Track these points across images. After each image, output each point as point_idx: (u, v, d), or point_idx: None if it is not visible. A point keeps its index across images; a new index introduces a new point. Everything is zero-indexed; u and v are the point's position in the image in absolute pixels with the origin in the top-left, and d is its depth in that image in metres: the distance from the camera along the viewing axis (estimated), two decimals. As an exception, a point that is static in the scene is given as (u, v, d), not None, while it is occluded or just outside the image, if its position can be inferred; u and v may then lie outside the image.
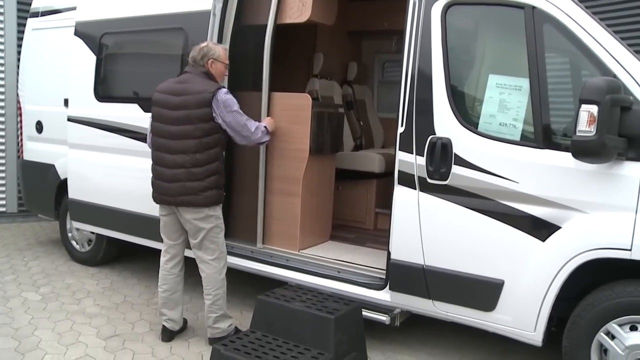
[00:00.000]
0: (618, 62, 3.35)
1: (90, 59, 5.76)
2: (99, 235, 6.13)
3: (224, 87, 4.18)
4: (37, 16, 6.80)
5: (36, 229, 8.13)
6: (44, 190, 6.62)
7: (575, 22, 3.49)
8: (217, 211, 4.21)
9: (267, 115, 4.85)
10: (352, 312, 4.01)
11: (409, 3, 4.00)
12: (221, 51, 4.32)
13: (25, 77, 6.96)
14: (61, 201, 6.48)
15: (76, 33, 5.89)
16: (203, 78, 4.18)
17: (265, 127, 4.44)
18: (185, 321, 4.61)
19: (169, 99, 4.15)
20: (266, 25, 4.86)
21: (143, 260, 6.45)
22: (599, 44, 3.42)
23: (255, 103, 5.03)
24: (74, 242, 6.50)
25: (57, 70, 6.41)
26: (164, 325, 4.45)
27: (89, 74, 5.74)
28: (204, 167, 4.07)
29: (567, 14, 3.52)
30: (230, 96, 4.15)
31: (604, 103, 3.07)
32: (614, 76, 3.32)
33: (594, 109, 3.09)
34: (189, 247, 4.40)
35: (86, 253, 6.39)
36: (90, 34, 5.80)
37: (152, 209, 5.26)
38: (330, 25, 5.41)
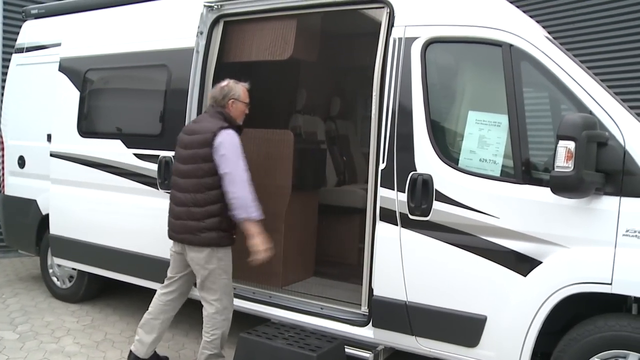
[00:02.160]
0: (593, 98, 3.42)
1: (74, 94, 5.77)
2: (80, 272, 6.05)
3: (229, 129, 4.05)
4: (22, 52, 6.81)
5: (16, 264, 8.01)
6: (25, 226, 6.55)
7: (551, 59, 3.56)
8: (221, 253, 4.08)
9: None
10: (335, 349, 3.98)
11: (389, 40, 4.06)
12: (241, 90, 4.26)
13: (9, 112, 6.94)
14: (42, 237, 6.40)
15: (60, 69, 5.92)
16: (214, 117, 4.15)
17: (255, 206, 4.01)
18: (166, 358, 4.54)
19: (183, 137, 4.20)
20: (250, 63, 4.93)
21: (125, 297, 6.37)
22: (575, 80, 3.49)
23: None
24: (54, 279, 6.41)
25: (40, 106, 6.41)
26: (132, 348, 4.39)
27: (72, 109, 5.75)
28: (203, 208, 4.01)
29: (543, 52, 3.59)
30: (230, 138, 4.01)
31: (580, 139, 3.12)
32: (590, 112, 3.37)
33: (571, 145, 3.14)
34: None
35: (67, 289, 6.30)
36: (75, 70, 5.82)
37: (135, 245, 5.25)
38: (312, 61, 5.48)
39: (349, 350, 4.14)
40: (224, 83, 4.26)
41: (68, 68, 5.87)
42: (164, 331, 4.42)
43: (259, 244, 3.97)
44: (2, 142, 6.98)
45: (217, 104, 4.22)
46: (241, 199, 3.94)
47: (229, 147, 3.98)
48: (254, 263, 3.97)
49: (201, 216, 4.01)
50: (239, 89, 4.25)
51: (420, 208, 3.81)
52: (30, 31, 6.77)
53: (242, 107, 4.28)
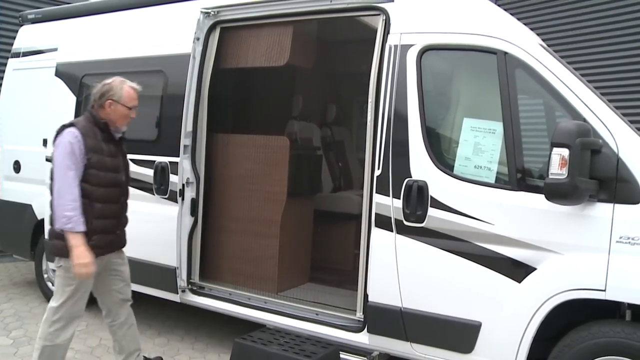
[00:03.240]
0: (587, 106, 3.45)
1: (70, 99, 5.78)
2: (75, 277, 6.03)
3: (72, 129, 3.70)
4: (19, 56, 6.82)
5: (11, 269, 7.99)
6: (20, 231, 6.53)
7: (546, 67, 3.59)
8: (67, 263, 3.68)
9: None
10: (330, 355, 3.98)
11: (385, 47, 4.08)
12: (125, 92, 3.86)
13: (4, 117, 6.94)
14: (37, 242, 6.38)
15: (57, 74, 5.92)
16: (82, 117, 3.88)
17: (73, 217, 3.57)
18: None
19: None
20: (247, 69, 4.95)
21: (120, 302, 6.35)
22: (569, 88, 3.51)
23: (235, 146, 5.07)
24: (49, 284, 6.38)
25: (36, 111, 6.40)
26: None
27: (68, 114, 5.73)
28: (50, 213, 3.75)
29: (537, 60, 3.62)
30: (64, 140, 3.66)
31: (574, 146, 3.15)
32: (584, 120, 3.40)
33: (565, 152, 3.16)
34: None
35: (62, 295, 6.28)
36: (71, 75, 5.83)
37: (130, 250, 5.25)
38: (309, 67, 5.50)
39: (344, 356, 4.14)
40: (108, 81, 3.90)
41: (65, 73, 5.87)
42: (130, 344, 4.16)
43: (75, 258, 3.57)
44: (-2, 147, 6.98)
45: (95, 102, 3.86)
46: (54, 208, 3.63)
47: (59, 149, 3.66)
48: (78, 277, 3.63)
49: (50, 221, 3.78)
50: (121, 89, 3.86)
51: (416, 214, 3.82)
52: (27, 36, 6.78)
53: (123, 110, 3.87)
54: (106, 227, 3.83)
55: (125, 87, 3.89)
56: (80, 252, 3.57)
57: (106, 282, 3.99)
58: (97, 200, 3.75)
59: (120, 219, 4.01)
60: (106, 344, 5.18)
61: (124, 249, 4.12)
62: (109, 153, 3.84)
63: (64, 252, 3.66)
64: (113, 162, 3.87)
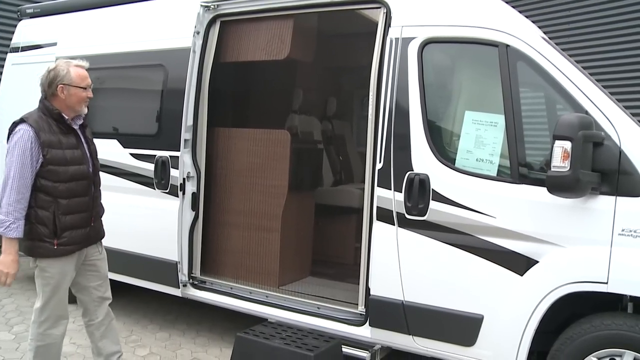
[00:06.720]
0: (589, 98, 3.44)
1: (70, 94, 5.75)
2: (76, 272, 6.03)
3: (24, 125, 3.47)
4: (18, 51, 6.79)
5: (12, 265, 7.95)
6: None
7: (548, 60, 3.58)
8: (43, 263, 3.56)
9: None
10: (332, 349, 3.99)
11: (386, 40, 4.07)
12: (74, 73, 3.57)
13: (3, 111, 6.91)
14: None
15: (56, 69, 5.89)
16: (34, 111, 3.61)
17: (5, 221, 3.38)
18: None
19: None
20: (247, 62, 4.94)
21: (122, 297, 6.33)
22: (571, 81, 3.51)
23: (235, 140, 5.06)
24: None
25: (35, 106, 6.37)
26: None
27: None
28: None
29: (539, 52, 3.61)
30: (16, 136, 3.45)
31: (577, 139, 3.14)
32: (586, 112, 3.39)
33: (567, 144, 3.16)
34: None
35: (63, 290, 6.27)
36: (70, 70, 5.80)
37: (131, 245, 5.25)
38: (309, 61, 5.49)
39: (346, 349, 4.15)
40: (52, 66, 3.61)
41: (64, 68, 5.85)
42: (109, 346, 3.99)
43: (1, 264, 3.45)
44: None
45: (46, 92, 3.60)
46: None
47: (11, 147, 3.46)
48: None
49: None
50: (69, 71, 3.57)
51: (417, 208, 3.82)
52: (26, 30, 6.75)
53: (79, 92, 3.58)
54: (77, 222, 3.62)
55: (72, 68, 3.59)
56: (5, 260, 3.45)
57: (83, 279, 3.83)
58: (62, 197, 3.52)
59: (93, 211, 3.76)
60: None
61: (102, 241, 3.96)
62: (68, 145, 3.58)
63: (33, 251, 3.54)
64: (74, 155, 3.60)
